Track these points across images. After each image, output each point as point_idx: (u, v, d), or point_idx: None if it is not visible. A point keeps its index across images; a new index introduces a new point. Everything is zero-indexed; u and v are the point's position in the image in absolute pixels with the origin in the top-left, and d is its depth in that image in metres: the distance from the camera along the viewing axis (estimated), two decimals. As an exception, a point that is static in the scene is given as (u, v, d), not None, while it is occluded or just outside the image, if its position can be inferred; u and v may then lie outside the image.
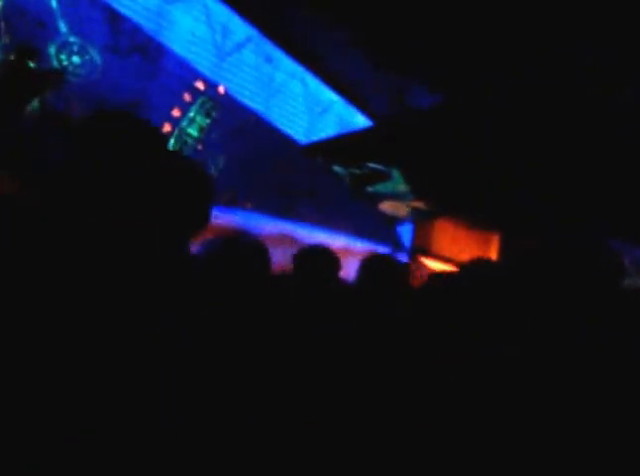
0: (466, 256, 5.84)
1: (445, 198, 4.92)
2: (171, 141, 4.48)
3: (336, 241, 4.69)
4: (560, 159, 4.83)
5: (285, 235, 4.46)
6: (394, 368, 1.40)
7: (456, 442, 1.28)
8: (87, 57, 4.29)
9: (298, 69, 4.94)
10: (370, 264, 2.00)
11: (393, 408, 1.30)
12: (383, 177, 4.52)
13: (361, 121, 5.06)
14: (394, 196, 4.70)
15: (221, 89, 4.61)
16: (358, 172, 4.49)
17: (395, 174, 4.49)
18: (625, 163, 4.76)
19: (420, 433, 1.27)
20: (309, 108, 5.04)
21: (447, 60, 4.49)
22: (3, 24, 4.08)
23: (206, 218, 1.30)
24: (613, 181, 4.87)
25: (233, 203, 4.62)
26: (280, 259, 2.01)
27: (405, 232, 5.45)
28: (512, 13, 4.18)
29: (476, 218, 5.46)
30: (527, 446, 1.34)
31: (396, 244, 5.27)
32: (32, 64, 3.56)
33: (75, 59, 4.27)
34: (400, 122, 4.52)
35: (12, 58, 3.62)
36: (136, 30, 4.37)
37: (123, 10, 4.36)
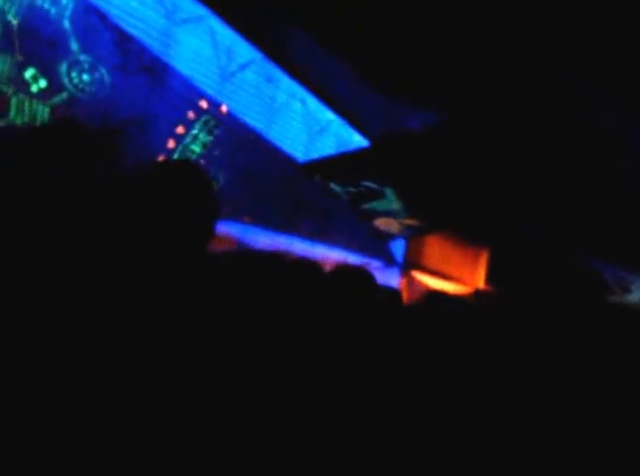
0: (456, 270, 6.04)
1: (436, 216, 5.13)
2: (175, 157, 4.68)
3: (331, 255, 4.88)
4: (546, 178, 5.03)
5: (281, 248, 4.65)
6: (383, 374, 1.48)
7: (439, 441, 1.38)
8: (97, 75, 4.47)
9: (298, 90, 5.14)
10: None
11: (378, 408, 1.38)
12: (378, 195, 4.72)
13: (357, 140, 5.26)
14: (388, 214, 4.90)
15: (224, 108, 4.82)
16: (354, 190, 4.70)
17: (389, 192, 4.70)
18: (610, 184, 4.95)
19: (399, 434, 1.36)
20: (308, 127, 5.24)
21: (438, 82, 4.68)
22: (17, 42, 4.26)
23: (211, 231, 1.39)
24: (597, 202, 5.06)
25: (232, 217, 4.82)
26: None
27: (398, 247, 5.65)
28: (503, 34, 4.37)
29: (465, 234, 5.67)
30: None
31: (389, 258, 5.47)
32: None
33: (85, 76, 4.45)
34: (393, 143, 4.73)
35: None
36: (143, 50, 4.57)
37: (131, 30, 4.55)
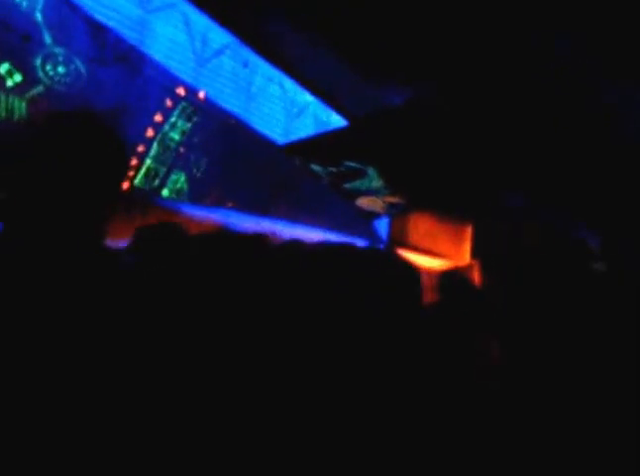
0: (441, 247, 6.10)
1: (417, 192, 5.18)
2: (154, 145, 4.69)
3: (314, 236, 4.92)
4: (526, 148, 5.07)
5: (264, 231, 4.69)
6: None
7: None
8: (72, 66, 4.47)
9: (275, 73, 5.16)
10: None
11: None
12: (359, 174, 4.76)
13: (336, 121, 5.30)
14: (370, 192, 4.95)
15: (201, 94, 4.83)
16: (335, 170, 4.73)
17: (370, 171, 4.74)
18: (589, 153, 5.00)
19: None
20: (286, 110, 5.27)
21: (414, 58, 4.70)
22: (-11, 38, 4.25)
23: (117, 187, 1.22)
24: (579, 169, 5.11)
25: (215, 202, 4.85)
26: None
27: (382, 226, 5.70)
28: (483, 12, 4.39)
29: (448, 210, 5.72)
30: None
31: (374, 237, 5.52)
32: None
33: (61, 69, 4.45)
34: (373, 121, 4.76)
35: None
36: (118, 40, 4.56)
37: (105, 21, 4.54)
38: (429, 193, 5.24)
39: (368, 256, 1.83)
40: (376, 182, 4.82)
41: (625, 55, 4.21)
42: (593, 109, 4.54)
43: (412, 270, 1.91)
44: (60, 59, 4.43)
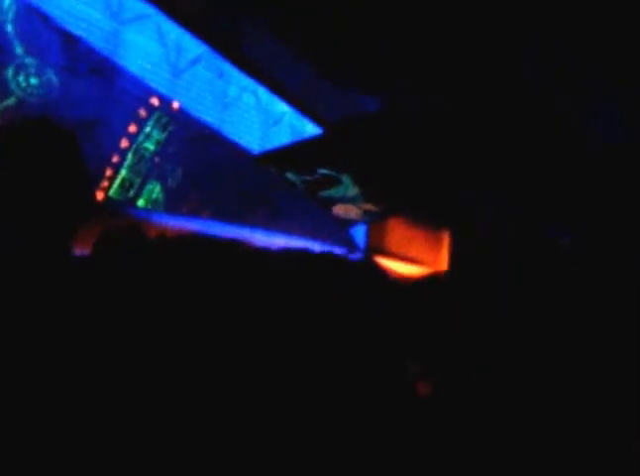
0: (418, 253, 6.14)
1: (393, 200, 5.22)
2: (129, 156, 4.68)
3: (292, 244, 4.94)
4: (499, 156, 5.14)
5: (242, 240, 4.69)
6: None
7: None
8: (45, 77, 4.45)
9: (250, 83, 5.18)
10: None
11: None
12: (334, 182, 4.79)
13: (312, 130, 5.32)
14: (346, 200, 4.98)
15: (175, 105, 4.83)
16: (309, 178, 4.76)
17: (345, 178, 4.77)
18: (558, 158, 5.08)
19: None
20: (262, 119, 5.29)
21: (389, 66, 4.76)
22: (-41, 50, 4.22)
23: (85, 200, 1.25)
24: (552, 174, 5.19)
25: (191, 212, 4.84)
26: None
27: (359, 233, 5.73)
28: (455, 19, 4.45)
29: (424, 217, 5.77)
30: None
31: (351, 245, 5.54)
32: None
33: (33, 80, 4.43)
34: (346, 129, 4.80)
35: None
36: (91, 50, 4.56)
37: (77, 31, 4.54)
38: (405, 201, 5.29)
39: (327, 261, 1.85)
40: (351, 190, 4.85)
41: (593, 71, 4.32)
42: (561, 115, 4.63)
43: (378, 275, 1.93)
44: (33, 70, 4.42)
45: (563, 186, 4.97)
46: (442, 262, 6.27)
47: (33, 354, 1.03)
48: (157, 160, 4.77)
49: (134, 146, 4.70)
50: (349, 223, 5.43)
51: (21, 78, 4.39)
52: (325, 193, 4.89)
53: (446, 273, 5.94)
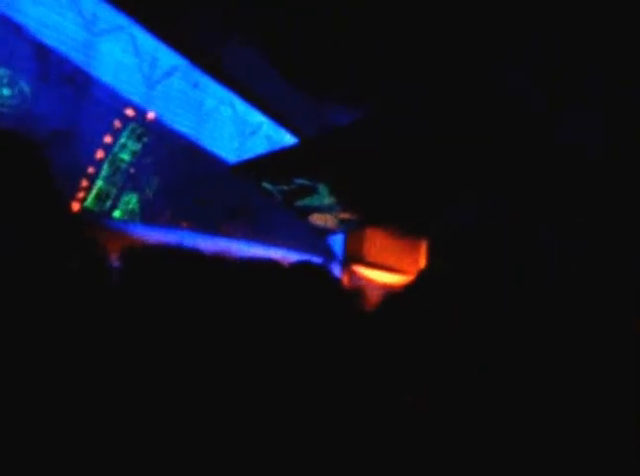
0: (396, 261, 6.17)
1: (368, 209, 5.25)
2: (105, 167, 4.65)
3: (271, 254, 4.93)
4: (476, 168, 5.20)
5: (220, 252, 4.67)
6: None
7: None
8: (17, 88, 4.41)
9: (226, 94, 5.19)
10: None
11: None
12: (310, 191, 4.81)
13: (288, 140, 5.35)
14: (322, 209, 4.99)
15: (151, 115, 4.82)
16: (286, 188, 4.77)
17: (321, 187, 4.79)
18: (538, 164, 5.15)
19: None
20: (239, 130, 5.30)
21: (364, 77, 4.80)
22: None
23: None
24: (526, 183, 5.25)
25: (169, 223, 4.81)
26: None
27: (337, 242, 5.75)
28: (427, 30, 4.52)
29: (401, 226, 5.81)
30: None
31: (329, 254, 5.55)
32: None
33: (5, 90, 4.38)
34: (323, 139, 4.83)
35: None
36: (64, 61, 4.53)
37: (51, 42, 4.51)
38: (381, 210, 5.32)
39: (294, 271, 1.86)
40: (328, 199, 4.88)
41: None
42: (538, 120, 4.70)
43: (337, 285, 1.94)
44: (5, 80, 4.37)
45: (540, 192, 5.04)
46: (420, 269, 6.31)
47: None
48: (132, 171, 4.75)
49: (109, 157, 4.67)
50: (327, 233, 5.44)
51: (-7, 89, 4.35)
52: (302, 203, 4.91)
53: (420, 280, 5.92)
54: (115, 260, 1.47)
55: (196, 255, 1.74)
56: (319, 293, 1.84)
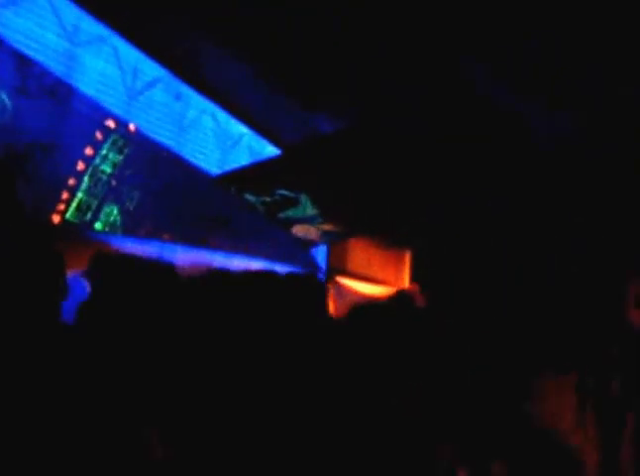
0: (380, 273, 6.18)
1: (350, 220, 5.26)
2: (85, 178, 4.62)
3: (253, 266, 4.91)
4: (460, 179, 5.23)
5: (201, 263, 4.65)
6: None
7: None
8: (-3, 100, 4.38)
9: (208, 105, 5.20)
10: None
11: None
12: (292, 202, 4.81)
13: (271, 151, 5.36)
14: (304, 220, 5.00)
15: (132, 127, 4.81)
16: (268, 199, 4.77)
17: (303, 199, 4.80)
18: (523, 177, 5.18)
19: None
20: (221, 141, 5.30)
21: (347, 87, 4.83)
22: None
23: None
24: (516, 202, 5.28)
25: (150, 235, 4.79)
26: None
27: (321, 254, 5.75)
28: (412, 43, 4.55)
29: (384, 237, 5.83)
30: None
31: (312, 266, 5.55)
32: None
33: (-16, 103, 4.35)
34: (304, 149, 4.84)
35: None
36: (45, 73, 4.51)
37: (31, 53, 4.49)
38: (363, 221, 5.34)
39: (285, 281, 1.89)
40: (310, 210, 4.88)
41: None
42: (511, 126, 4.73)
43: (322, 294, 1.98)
44: (-16, 92, 4.35)
45: (522, 199, 5.08)
46: (403, 281, 6.33)
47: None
48: (114, 182, 4.72)
49: (90, 168, 4.65)
50: (309, 244, 5.44)
51: (-28, 101, 4.31)
52: (284, 214, 4.91)
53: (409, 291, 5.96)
54: (81, 274, 1.50)
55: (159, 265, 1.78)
56: (313, 302, 1.90)
